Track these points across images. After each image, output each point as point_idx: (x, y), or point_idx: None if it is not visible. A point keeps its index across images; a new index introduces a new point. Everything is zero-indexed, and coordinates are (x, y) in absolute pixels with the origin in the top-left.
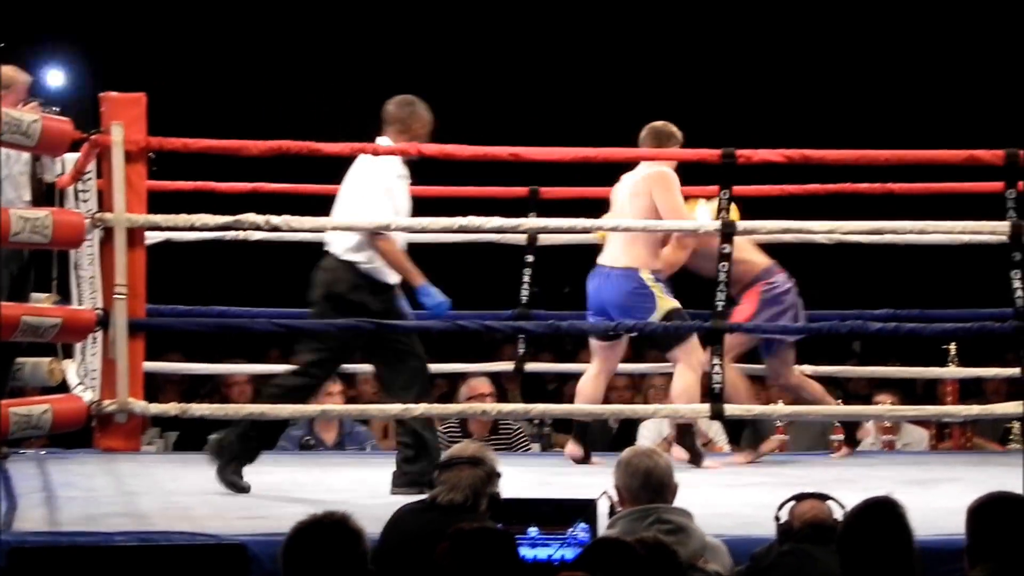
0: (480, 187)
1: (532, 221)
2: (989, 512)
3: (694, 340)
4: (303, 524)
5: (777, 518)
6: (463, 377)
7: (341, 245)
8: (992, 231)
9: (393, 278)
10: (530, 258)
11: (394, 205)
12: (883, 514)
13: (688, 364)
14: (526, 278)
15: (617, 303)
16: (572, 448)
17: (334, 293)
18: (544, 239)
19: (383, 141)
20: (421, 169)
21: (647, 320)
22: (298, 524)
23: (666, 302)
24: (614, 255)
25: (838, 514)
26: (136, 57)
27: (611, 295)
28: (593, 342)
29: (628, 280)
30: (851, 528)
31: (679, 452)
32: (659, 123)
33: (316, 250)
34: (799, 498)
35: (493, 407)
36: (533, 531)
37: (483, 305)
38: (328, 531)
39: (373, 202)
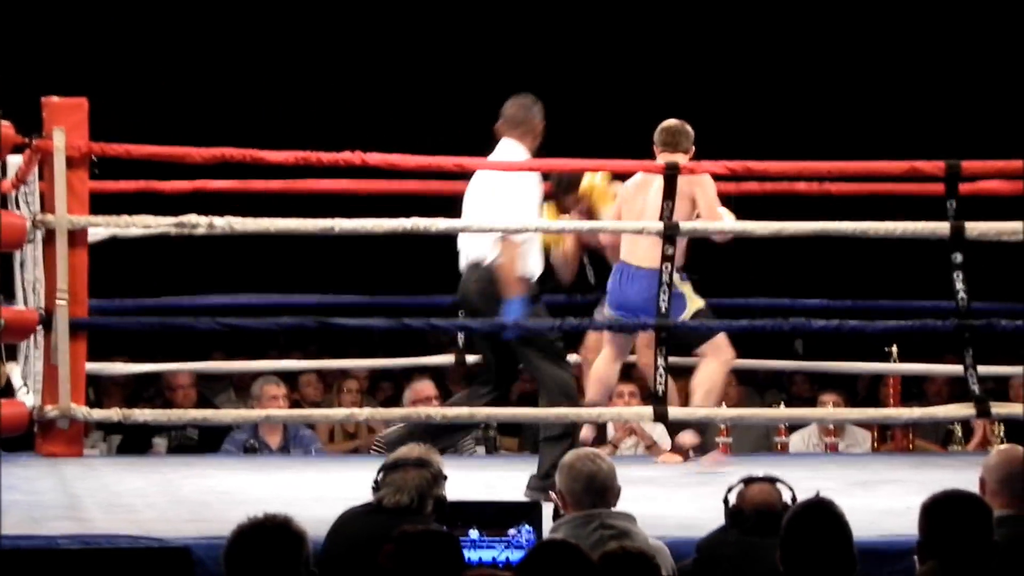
0: (424, 181)
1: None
2: (942, 510)
3: (724, 337)
4: (244, 527)
5: (726, 501)
6: (407, 375)
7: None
8: (932, 232)
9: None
10: None
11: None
12: (819, 515)
13: (716, 358)
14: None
15: (642, 303)
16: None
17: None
18: None
19: (508, 144)
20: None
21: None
22: (239, 526)
23: (696, 302)
24: (639, 255)
25: (787, 498)
26: (77, 59)
27: (636, 295)
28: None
29: (655, 281)
30: (790, 531)
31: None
32: (676, 122)
33: (260, 239)
34: (748, 482)
35: (438, 411)
36: (476, 534)
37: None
38: (270, 534)
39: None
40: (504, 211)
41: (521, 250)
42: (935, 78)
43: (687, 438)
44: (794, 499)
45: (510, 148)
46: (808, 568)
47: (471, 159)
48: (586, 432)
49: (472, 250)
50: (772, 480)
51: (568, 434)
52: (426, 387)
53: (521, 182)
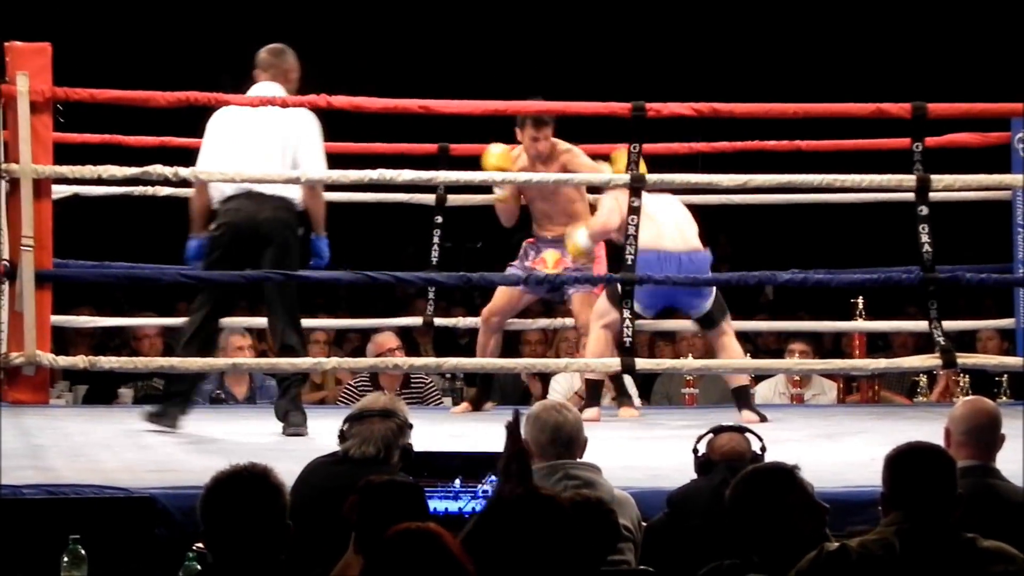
0: (389, 143)
1: (445, 175)
2: (906, 461)
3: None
4: (223, 475)
5: (695, 451)
6: (375, 331)
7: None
8: (899, 184)
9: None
10: (439, 219)
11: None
12: (774, 481)
13: (730, 335)
14: (436, 239)
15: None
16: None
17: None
18: (454, 199)
19: (264, 87)
20: (330, 123)
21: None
22: (219, 474)
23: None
24: (687, 238)
25: (756, 447)
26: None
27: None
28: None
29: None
30: (740, 498)
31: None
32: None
33: None
34: (717, 431)
35: (405, 361)
36: (444, 484)
37: (395, 267)
38: (248, 483)
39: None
40: (314, 149)
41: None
42: (905, 28)
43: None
44: (763, 448)
45: (270, 88)
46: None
47: (436, 101)
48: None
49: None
50: (741, 429)
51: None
52: (389, 339)
53: (315, 126)
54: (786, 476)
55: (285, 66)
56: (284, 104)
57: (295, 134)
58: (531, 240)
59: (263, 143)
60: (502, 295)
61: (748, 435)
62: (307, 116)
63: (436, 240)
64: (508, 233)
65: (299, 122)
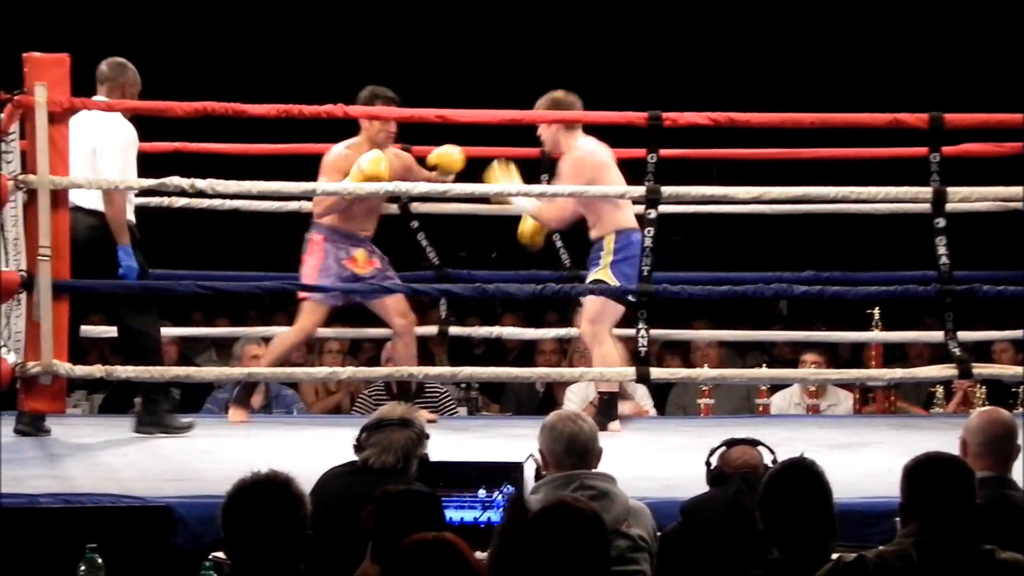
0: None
1: (460, 187)
2: (924, 472)
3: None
4: (246, 482)
5: (708, 463)
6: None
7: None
8: (915, 197)
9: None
10: (415, 223)
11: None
12: (800, 476)
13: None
14: (424, 241)
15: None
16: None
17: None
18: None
19: (99, 99)
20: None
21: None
22: (241, 481)
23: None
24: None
25: (768, 460)
26: (59, 18)
27: None
28: None
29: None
30: (769, 491)
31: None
32: (560, 93)
33: (240, 215)
34: (730, 444)
35: (420, 370)
36: (460, 493)
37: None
38: (270, 492)
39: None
40: (113, 156)
41: (126, 199)
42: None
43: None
44: (775, 461)
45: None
46: (787, 528)
47: (453, 111)
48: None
49: (75, 195)
50: (753, 442)
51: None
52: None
53: (123, 129)
54: (817, 471)
55: (123, 79)
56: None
57: (99, 141)
58: (325, 238)
59: (75, 152)
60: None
61: (760, 448)
62: (114, 123)
63: (424, 241)
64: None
65: (104, 129)
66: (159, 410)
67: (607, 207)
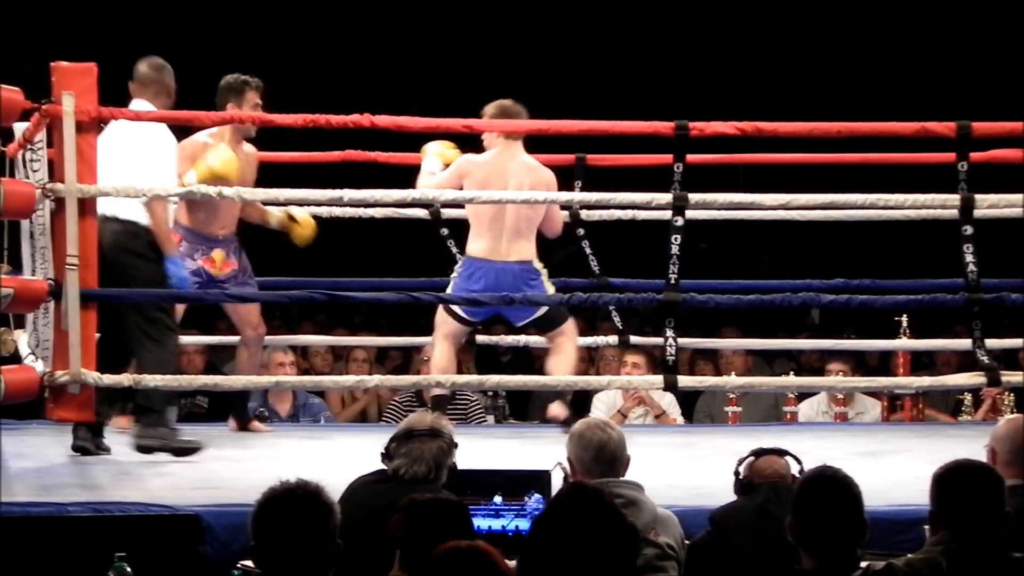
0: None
1: (488, 194)
2: (954, 480)
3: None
4: (276, 491)
5: (736, 473)
6: (418, 350)
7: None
8: (943, 204)
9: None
10: (445, 230)
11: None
12: (831, 484)
13: (571, 338)
14: (454, 248)
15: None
16: (557, 409)
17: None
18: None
19: (141, 105)
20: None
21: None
22: (271, 490)
23: (550, 285)
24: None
25: (795, 470)
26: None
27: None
28: None
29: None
30: (801, 499)
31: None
32: (509, 102)
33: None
34: (758, 454)
35: (448, 378)
36: (488, 502)
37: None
38: (300, 501)
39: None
40: (159, 168)
41: (170, 209)
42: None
43: (556, 410)
44: (802, 471)
45: (144, 108)
46: (820, 536)
47: (479, 121)
48: (557, 410)
49: (108, 205)
50: (781, 452)
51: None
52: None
53: (163, 139)
54: (848, 479)
55: (168, 82)
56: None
57: (140, 151)
58: (182, 238)
59: (112, 162)
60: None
61: (788, 458)
62: (156, 133)
63: (455, 249)
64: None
65: (145, 139)
66: (157, 422)
67: (471, 228)
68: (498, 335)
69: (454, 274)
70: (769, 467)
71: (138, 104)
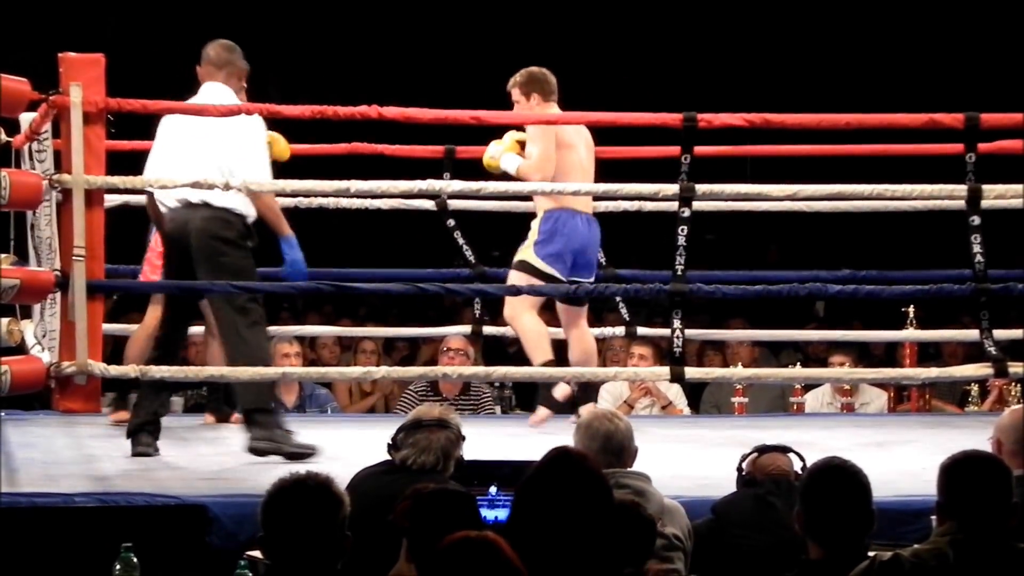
0: (394, 146)
1: (494, 185)
2: (961, 470)
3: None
4: (286, 481)
5: (740, 469)
6: (427, 341)
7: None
8: (950, 194)
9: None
10: (452, 222)
11: None
12: (839, 474)
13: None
14: (460, 239)
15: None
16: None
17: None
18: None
19: (214, 88)
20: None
21: None
22: (281, 480)
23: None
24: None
25: (798, 467)
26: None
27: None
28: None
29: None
30: (809, 490)
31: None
32: (539, 70)
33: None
34: (761, 450)
35: (455, 370)
36: (494, 490)
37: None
38: (310, 492)
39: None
40: (249, 156)
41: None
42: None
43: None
44: (804, 468)
45: (218, 91)
46: (828, 526)
47: (487, 112)
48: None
49: (197, 192)
50: (784, 449)
51: None
52: (453, 340)
53: (252, 124)
54: (856, 469)
55: (241, 64)
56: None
57: (230, 139)
58: None
59: (198, 149)
60: None
61: (791, 455)
62: (246, 120)
63: (461, 241)
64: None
65: (236, 127)
66: (271, 424)
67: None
68: (505, 326)
69: (533, 231)
70: (772, 464)
71: (210, 87)
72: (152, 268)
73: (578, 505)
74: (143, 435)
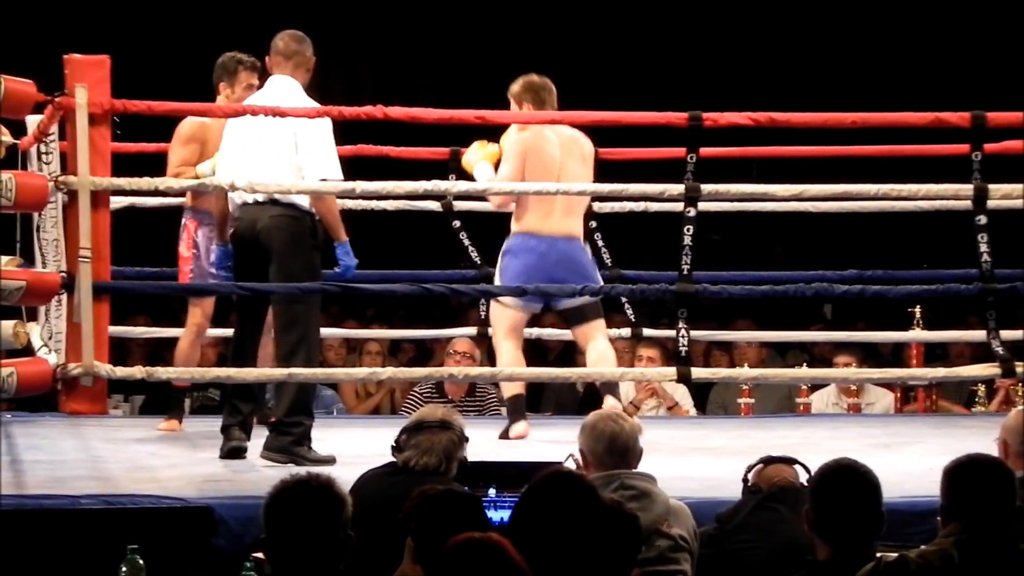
0: (400, 148)
1: (511, 185)
2: (965, 474)
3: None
4: (288, 483)
5: (745, 480)
6: (437, 343)
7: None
8: (955, 194)
9: None
10: (457, 223)
11: None
12: (849, 475)
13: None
14: (466, 240)
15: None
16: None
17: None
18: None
19: (283, 81)
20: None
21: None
22: (282, 482)
23: None
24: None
25: (803, 478)
26: (99, 19)
27: (586, 267)
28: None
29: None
30: (820, 491)
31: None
32: (537, 78)
33: None
34: (766, 461)
35: (461, 371)
36: (499, 494)
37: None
38: (312, 493)
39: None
40: (320, 153)
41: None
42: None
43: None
44: (810, 480)
45: (286, 84)
46: (837, 526)
47: (492, 112)
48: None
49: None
50: (790, 460)
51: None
52: (460, 343)
53: (324, 123)
54: (866, 469)
55: (309, 54)
56: (341, 116)
57: (299, 139)
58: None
59: (267, 148)
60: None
61: (797, 466)
62: (316, 118)
63: (467, 241)
64: None
65: (304, 125)
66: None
67: (518, 205)
68: None
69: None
70: (778, 475)
71: (278, 80)
72: (182, 274)
73: (572, 525)
74: (234, 430)
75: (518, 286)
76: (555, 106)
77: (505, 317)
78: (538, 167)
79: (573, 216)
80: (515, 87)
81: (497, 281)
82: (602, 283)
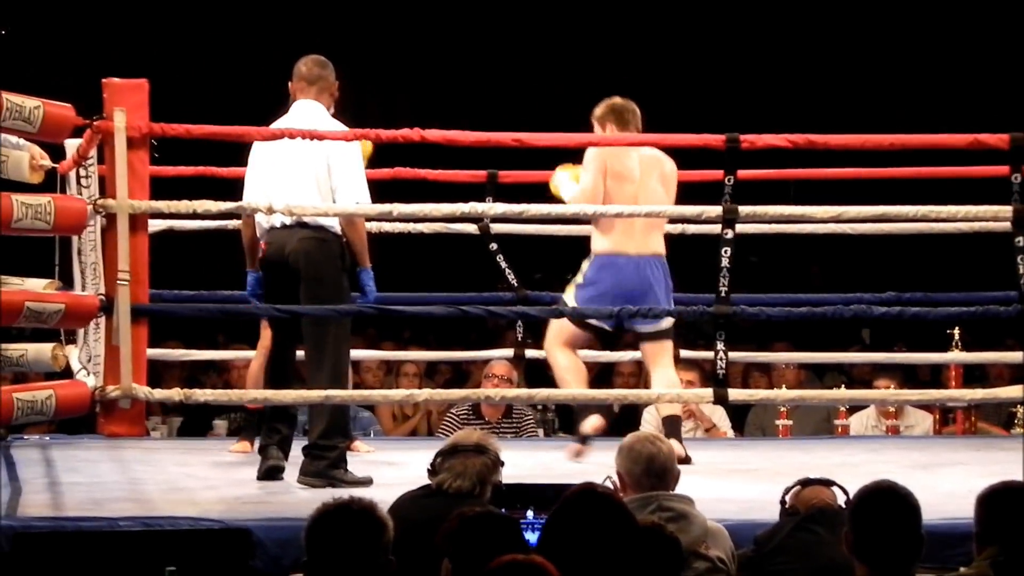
0: (436, 171)
1: (537, 208)
2: (997, 501)
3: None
4: (329, 506)
5: (783, 502)
6: (475, 364)
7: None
8: (995, 216)
9: None
10: (494, 245)
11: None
12: (889, 497)
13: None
14: (503, 263)
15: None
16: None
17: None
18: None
19: (308, 105)
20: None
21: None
22: (324, 505)
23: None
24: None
25: (841, 500)
26: (138, 43)
27: (664, 287)
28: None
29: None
30: (859, 512)
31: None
32: (620, 100)
33: None
34: (804, 483)
35: (497, 392)
36: (537, 516)
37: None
38: (354, 516)
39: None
40: (353, 177)
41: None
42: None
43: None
44: (848, 502)
45: (313, 108)
46: (876, 548)
47: (530, 135)
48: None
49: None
50: (828, 483)
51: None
52: (497, 366)
53: (354, 147)
54: (906, 492)
55: (332, 79)
56: (378, 139)
57: (331, 162)
58: None
59: (297, 171)
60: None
61: (835, 488)
62: (346, 142)
63: (504, 264)
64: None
65: (336, 149)
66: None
67: (598, 225)
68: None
69: (580, 271)
70: (816, 497)
71: (303, 104)
72: None
73: (601, 542)
74: (272, 449)
75: (555, 307)
76: (639, 127)
77: (564, 329)
78: (617, 182)
79: (654, 232)
80: (597, 110)
81: (569, 297)
82: (673, 306)
